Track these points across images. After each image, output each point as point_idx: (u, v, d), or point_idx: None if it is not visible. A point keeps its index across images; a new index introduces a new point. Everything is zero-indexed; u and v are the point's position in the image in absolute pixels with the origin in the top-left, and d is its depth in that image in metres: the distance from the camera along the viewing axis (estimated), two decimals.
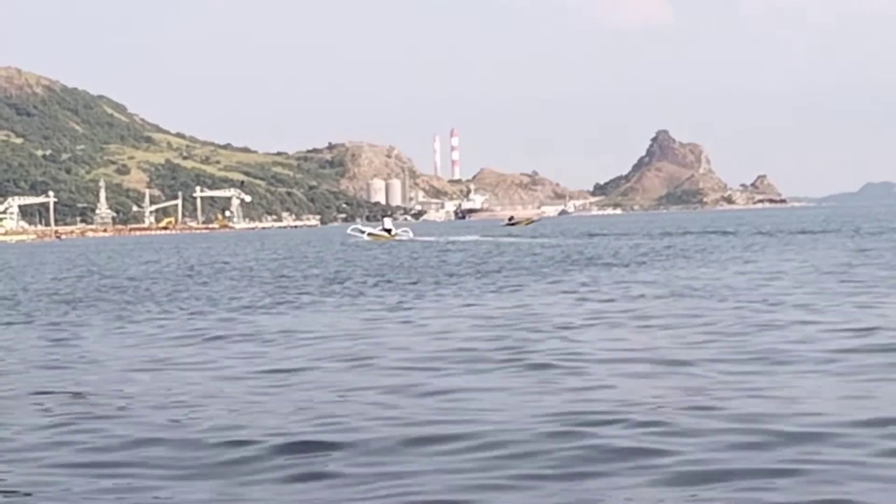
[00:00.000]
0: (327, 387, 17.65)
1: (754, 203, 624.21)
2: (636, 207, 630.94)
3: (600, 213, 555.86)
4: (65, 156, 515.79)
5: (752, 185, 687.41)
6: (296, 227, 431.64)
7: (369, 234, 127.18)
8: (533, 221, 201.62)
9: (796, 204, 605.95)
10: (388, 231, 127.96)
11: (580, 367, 18.66)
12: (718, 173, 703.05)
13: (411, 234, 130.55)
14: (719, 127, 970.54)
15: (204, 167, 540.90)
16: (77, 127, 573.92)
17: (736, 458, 11.72)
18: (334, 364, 20.43)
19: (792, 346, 20.30)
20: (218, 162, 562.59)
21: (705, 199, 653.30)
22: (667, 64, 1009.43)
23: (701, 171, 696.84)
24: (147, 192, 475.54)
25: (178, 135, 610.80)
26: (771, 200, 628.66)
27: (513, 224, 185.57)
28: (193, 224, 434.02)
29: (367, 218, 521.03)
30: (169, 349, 24.01)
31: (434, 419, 14.48)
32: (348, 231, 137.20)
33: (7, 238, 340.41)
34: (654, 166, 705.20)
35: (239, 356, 22.17)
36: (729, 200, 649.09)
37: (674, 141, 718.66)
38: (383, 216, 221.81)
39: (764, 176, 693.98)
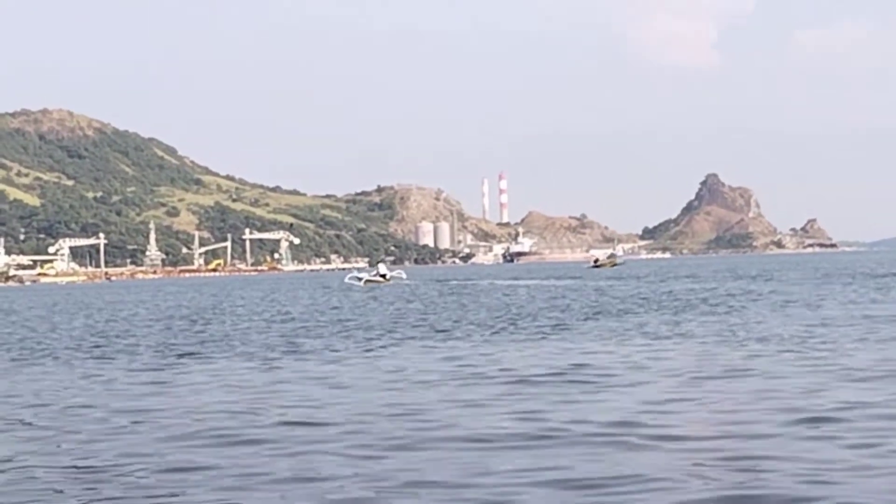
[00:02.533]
0: None
1: (804, 247, 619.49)
2: (685, 251, 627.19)
3: (649, 256, 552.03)
4: (115, 198, 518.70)
5: (802, 229, 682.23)
6: (344, 269, 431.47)
7: (366, 281, 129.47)
8: (617, 264, 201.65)
9: (847, 248, 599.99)
10: (383, 276, 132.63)
11: None
12: (768, 217, 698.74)
13: (405, 277, 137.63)
14: (769, 170, 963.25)
15: (253, 209, 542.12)
16: (128, 169, 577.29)
17: None
18: None
19: None
20: (267, 204, 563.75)
21: (755, 244, 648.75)
22: (716, 106, 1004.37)
23: (750, 214, 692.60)
24: (196, 234, 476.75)
25: (228, 177, 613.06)
26: (821, 245, 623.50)
27: (598, 266, 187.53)
28: (242, 266, 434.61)
29: (416, 261, 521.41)
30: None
31: None
32: (345, 280, 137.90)
33: (58, 279, 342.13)
34: (704, 210, 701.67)
35: None
36: (779, 245, 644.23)
37: (723, 184, 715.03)
38: (378, 262, 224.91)
39: (814, 220, 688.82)
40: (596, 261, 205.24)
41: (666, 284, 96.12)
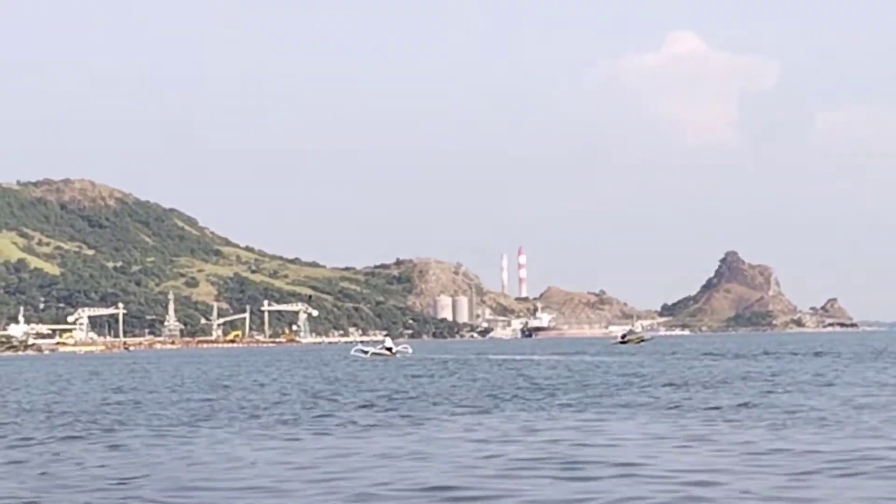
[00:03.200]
0: None
1: (824, 326, 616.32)
2: (704, 328, 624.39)
3: (668, 333, 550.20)
4: (135, 268, 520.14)
5: (823, 308, 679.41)
6: (363, 342, 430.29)
7: (372, 354, 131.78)
8: (644, 340, 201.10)
9: (867, 328, 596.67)
10: (389, 349, 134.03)
11: None
12: (788, 296, 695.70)
13: (410, 351, 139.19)
14: (789, 249, 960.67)
15: (272, 281, 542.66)
16: (148, 239, 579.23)
17: None
18: None
19: None
20: (286, 276, 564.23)
21: (774, 322, 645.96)
22: (735, 185, 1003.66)
23: (770, 293, 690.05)
24: (215, 304, 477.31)
25: (248, 248, 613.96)
26: (842, 324, 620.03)
27: (625, 342, 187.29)
28: (260, 337, 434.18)
29: (434, 335, 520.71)
30: None
31: None
32: (352, 352, 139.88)
33: (76, 349, 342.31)
34: (723, 287, 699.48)
35: None
36: (799, 323, 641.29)
37: (743, 262, 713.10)
38: (385, 335, 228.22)
39: (835, 299, 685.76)
40: (623, 336, 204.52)
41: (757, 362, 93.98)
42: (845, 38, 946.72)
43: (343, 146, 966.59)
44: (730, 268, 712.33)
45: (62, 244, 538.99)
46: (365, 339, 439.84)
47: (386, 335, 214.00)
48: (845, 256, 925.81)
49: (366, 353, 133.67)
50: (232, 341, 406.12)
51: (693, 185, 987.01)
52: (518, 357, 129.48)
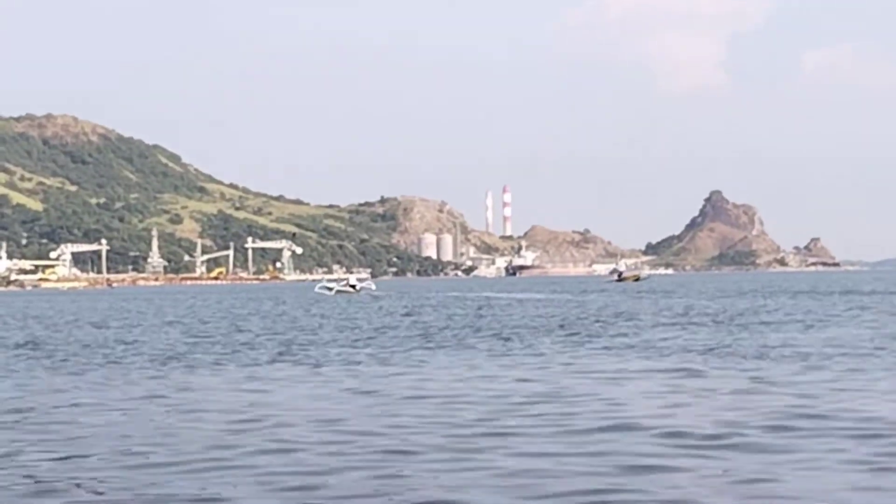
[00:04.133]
0: None
1: (807, 266, 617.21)
2: (688, 268, 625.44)
3: (651, 272, 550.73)
4: (118, 204, 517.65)
5: (806, 247, 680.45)
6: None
7: (336, 291, 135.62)
8: (640, 279, 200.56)
9: (850, 268, 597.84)
10: (353, 287, 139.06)
11: None
12: (771, 235, 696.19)
13: (374, 288, 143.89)
14: (773, 189, 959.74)
15: (256, 218, 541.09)
16: (131, 176, 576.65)
17: None
18: None
19: None
20: (270, 213, 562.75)
21: (758, 261, 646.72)
22: (721, 125, 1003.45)
23: (754, 232, 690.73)
24: (199, 241, 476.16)
25: (232, 185, 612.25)
26: (824, 263, 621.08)
27: (621, 280, 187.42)
28: (244, 275, 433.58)
29: (418, 272, 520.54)
30: None
31: None
32: (316, 289, 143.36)
33: (59, 285, 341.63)
34: (707, 227, 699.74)
35: None
36: (782, 262, 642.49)
37: (727, 202, 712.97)
38: (347, 273, 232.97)
39: (818, 239, 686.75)
40: (619, 275, 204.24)
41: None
42: None
43: (328, 82, 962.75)
44: (714, 207, 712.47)
45: (45, 180, 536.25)
46: (350, 276, 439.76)
47: (349, 274, 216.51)
48: (829, 196, 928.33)
49: (330, 290, 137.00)
50: (216, 278, 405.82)
51: (679, 125, 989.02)
52: (520, 295, 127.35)
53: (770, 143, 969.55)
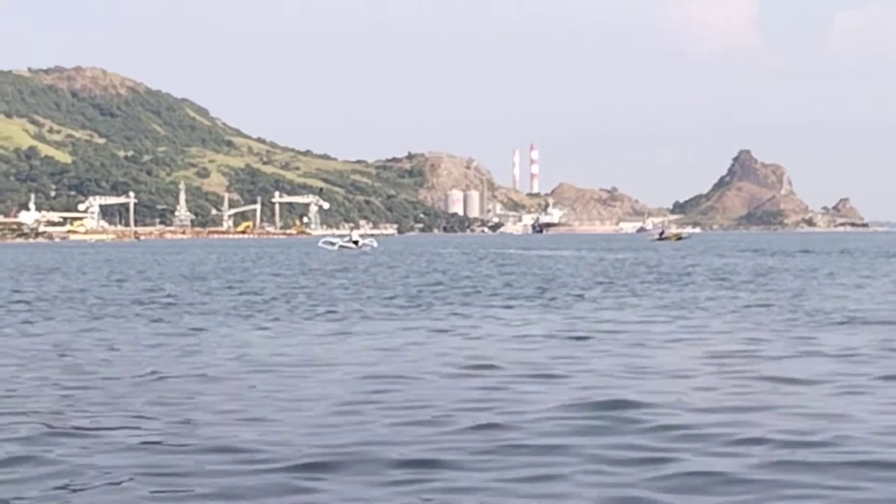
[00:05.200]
0: None
1: (835, 226, 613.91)
2: (715, 227, 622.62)
3: (680, 231, 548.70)
4: (146, 157, 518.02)
5: (834, 207, 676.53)
6: (373, 235, 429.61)
7: (340, 246, 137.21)
8: (682, 238, 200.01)
9: (878, 228, 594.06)
10: (356, 242, 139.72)
11: None
12: (800, 195, 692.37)
13: (375, 245, 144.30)
14: (802, 149, 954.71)
15: (283, 173, 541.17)
16: (159, 129, 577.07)
17: None
18: None
19: None
20: (297, 168, 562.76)
21: (786, 221, 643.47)
22: (752, 85, 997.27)
23: (782, 192, 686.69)
24: (226, 195, 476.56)
25: (259, 140, 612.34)
26: (853, 224, 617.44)
27: (663, 239, 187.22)
28: (271, 229, 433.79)
29: (444, 229, 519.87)
30: None
31: None
32: (320, 243, 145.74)
33: (87, 237, 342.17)
34: (735, 186, 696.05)
35: None
36: (810, 223, 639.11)
37: (755, 161, 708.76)
38: (351, 229, 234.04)
39: (846, 199, 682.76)
40: (661, 234, 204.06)
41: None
42: None
43: (359, 38, 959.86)
44: (742, 166, 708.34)
45: (73, 132, 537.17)
46: (377, 232, 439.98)
47: (353, 230, 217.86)
48: (859, 157, 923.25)
49: (333, 244, 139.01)
50: (243, 232, 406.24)
51: (709, 84, 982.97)
52: (565, 252, 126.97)
53: (800, 103, 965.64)
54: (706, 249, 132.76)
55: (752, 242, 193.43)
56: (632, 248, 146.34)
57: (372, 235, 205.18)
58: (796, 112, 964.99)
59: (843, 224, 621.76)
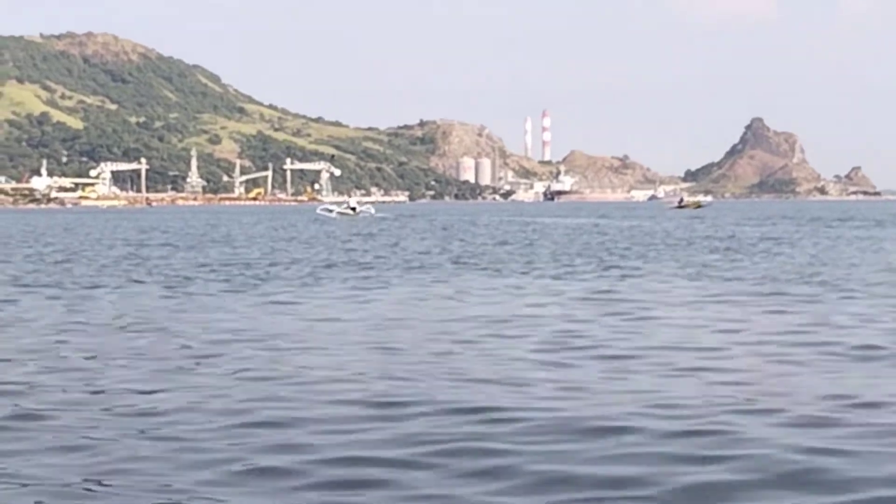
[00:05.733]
0: None
1: (847, 195, 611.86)
2: (727, 195, 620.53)
3: (691, 199, 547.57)
4: (158, 124, 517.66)
5: (847, 176, 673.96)
6: (384, 202, 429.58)
7: (338, 213, 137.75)
8: (701, 206, 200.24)
9: (890, 197, 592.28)
10: (353, 209, 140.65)
11: None
12: (812, 164, 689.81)
13: (373, 212, 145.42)
14: (814, 117, 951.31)
15: (295, 140, 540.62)
16: (171, 95, 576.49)
17: None
18: None
19: None
20: (309, 135, 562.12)
21: (798, 189, 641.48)
22: (764, 53, 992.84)
23: (795, 160, 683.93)
24: (238, 162, 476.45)
25: (271, 106, 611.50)
26: (865, 192, 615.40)
27: (682, 207, 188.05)
28: (282, 196, 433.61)
29: (456, 196, 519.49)
30: None
31: None
32: (318, 210, 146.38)
33: (99, 203, 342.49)
34: (747, 154, 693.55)
35: None
36: (822, 191, 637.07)
37: (768, 129, 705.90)
38: (348, 196, 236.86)
39: (858, 168, 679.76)
40: (680, 201, 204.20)
41: None
42: None
43: (370, 4, 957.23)
44: (755, 134, 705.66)
45: (85, 98, 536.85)
46: (388, 199, 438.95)
47: (350, 197, 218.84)
48: (871, 125, 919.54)
49: (331, 212, 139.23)
50: (254, 199, 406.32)
51: (721, 52, 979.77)
52: (582, 220, 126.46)
53: (813, 70, 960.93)
54: (738, 219, 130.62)
55: (776, 210, 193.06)
56: (654, 216, 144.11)
57: (373, 203, 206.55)
58: (809, 79, 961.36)
59: (854, 192, 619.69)
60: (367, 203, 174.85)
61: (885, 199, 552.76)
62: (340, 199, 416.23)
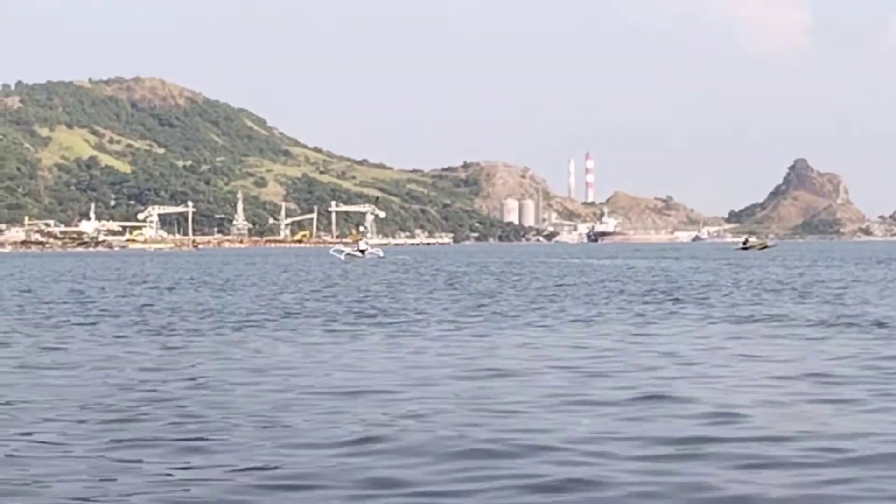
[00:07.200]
0: None
1: (893, 235, 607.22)
2: (771, 236, 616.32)
3: (734, 239, 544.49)
4: (204, 167, 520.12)
5: (891, 216, 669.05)
6: (429, 244, 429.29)
7: (346, 255, 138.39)
8: (767, 247, 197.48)
9: None
10: (363, 251, 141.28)
11: None
12: (857, 204, 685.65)
13: (381, 254, 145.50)
14: (859, 157, 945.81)
15: (340, 182, 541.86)
16: (217, 139, 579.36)
17: None
18: None
19: None
20: (354, 177, 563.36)
21: (842, 230, 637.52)
22: (806, 91, 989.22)
23: (839, 201, 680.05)
24: (283, 204, 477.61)
25: (316, 149, 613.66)
26: None
27: (746, 248, 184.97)
28: (328, 238, 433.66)
29: (500, 238, 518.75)
30: None
31: None
32: (330, 252, 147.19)
33: (146, 246, 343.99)
34: (791, 195, 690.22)
35: None
36: (867, 232, 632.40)
37: (811, 170, 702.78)
38: (343, 239, 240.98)
39: None
40: (745, 242, 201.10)
41: None
42: None
43: (414, 47, 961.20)
44: (798, 175, 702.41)
45: (133, 142, 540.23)
46: (432, 241, 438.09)
47: (359, 240, 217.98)
48: None
49: (341, 252, 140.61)
50: (300, 241, 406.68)
51: (763, 91, 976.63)
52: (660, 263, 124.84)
53: (856, 111, 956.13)
54: (814, 259, 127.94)
55: (833, 251, 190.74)
56: (730, 259, 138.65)
57: (383, 245, 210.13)
58: (852, 118, 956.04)
59: None
60: (376, 246, 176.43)
61: None
62: (385, 241, 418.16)
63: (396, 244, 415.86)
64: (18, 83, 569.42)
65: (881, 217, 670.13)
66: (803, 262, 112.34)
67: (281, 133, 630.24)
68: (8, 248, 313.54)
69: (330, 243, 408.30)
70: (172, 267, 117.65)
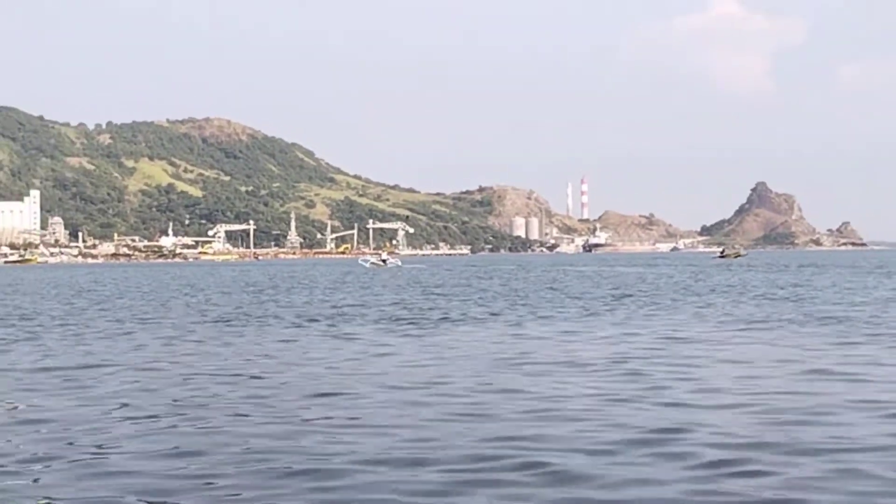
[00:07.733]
0: None
1: (839, 245, 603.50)
2: (737, 247, 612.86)
3: (706, 250, 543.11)
4: (263, 192, 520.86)
5: (838, 230, 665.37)
6: (450, 255, 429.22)
7: (371, 264, 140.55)
8: (740, 255, 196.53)
9: (875, 247, 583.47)
10: (384, 261, 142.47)
11: None
12: (808, 219, 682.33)
13: (399, 263, 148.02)
14: (810, 179, 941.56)
15: (376, 203, 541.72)
16: (273, 168, 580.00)
17: None
18: None
19: None
20: (388, 199, 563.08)
21: (796, 242, 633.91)
22: (766, 126, 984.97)
23: (793, 217, 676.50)
24: (329, 223, 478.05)
25: (356, 176, 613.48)
26: (853, 244, 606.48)
27: (724, 257, 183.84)
28: (366, 250, 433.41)
29: (509, 249, 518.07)
30: None
31: None
32: (359, 261, 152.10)
33: (215, 257, 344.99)
34: (753, 212, 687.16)
35: None
36: (817, 243, 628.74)
37: (770, 191, 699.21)
38: (379, 250, 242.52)
39: (848, 222, 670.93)
40: (722, 252, 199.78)
41: None
42: (863, 3, 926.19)
43: (439, 90, 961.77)
44: (759, 196, 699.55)
45: (204, 171, 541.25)
46: (453, 252, 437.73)
47: (379, 252, 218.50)
48: (858, 185, 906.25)
49: (367, 262, 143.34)
50: (342, 253, 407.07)
51: (731, 125, 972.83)
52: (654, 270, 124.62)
53: (808, 141, 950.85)
54: (773, 266, 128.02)
55: (795, 259, 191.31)
56: (718, 265, 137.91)
57: (400, 255, 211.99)
58: (805, 147, 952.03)
59: (845, 244, 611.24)
60: (395, 257, 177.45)
61: (870, 248, 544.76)
62: (413, 251, 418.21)
63: (423, 254, 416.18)
64: (109, 123, 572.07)
65: (829, 230, 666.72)
66: (780, 269, 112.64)
67: (327, 163, 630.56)
68: (101, 260, 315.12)
69: (368, 254, 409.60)
70: (267, 274, 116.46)
